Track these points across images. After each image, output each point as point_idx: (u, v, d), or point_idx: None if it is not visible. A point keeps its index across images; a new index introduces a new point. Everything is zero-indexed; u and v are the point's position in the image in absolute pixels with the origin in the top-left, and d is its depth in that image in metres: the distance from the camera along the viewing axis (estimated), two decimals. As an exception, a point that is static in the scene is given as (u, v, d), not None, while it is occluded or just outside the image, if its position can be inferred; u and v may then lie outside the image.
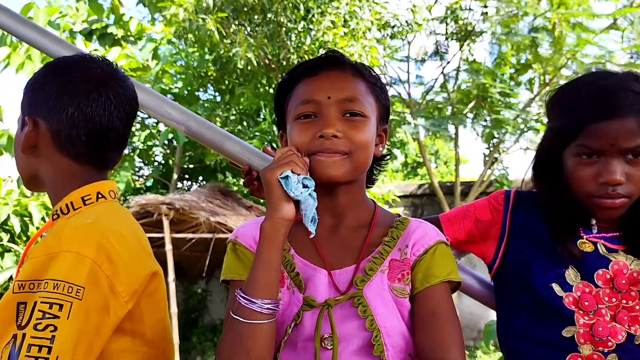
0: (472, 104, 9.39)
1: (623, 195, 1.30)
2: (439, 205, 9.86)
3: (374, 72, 1.35)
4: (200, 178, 11.61)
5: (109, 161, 1.32)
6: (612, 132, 1.27)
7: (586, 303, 1.32)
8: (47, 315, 1.05)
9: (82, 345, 1.07)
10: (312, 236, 1.18)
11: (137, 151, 10.81)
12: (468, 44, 9.66)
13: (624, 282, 1.32)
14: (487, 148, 9.86)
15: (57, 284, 1.07)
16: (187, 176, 11.67)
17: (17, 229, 4.93)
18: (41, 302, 1.06)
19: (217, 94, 9.90)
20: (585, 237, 1.38)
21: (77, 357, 1.06)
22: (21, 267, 1.19)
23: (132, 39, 9.53)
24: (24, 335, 1.04)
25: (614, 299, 1.32)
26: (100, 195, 1.27)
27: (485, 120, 9.48)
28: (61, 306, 1.06)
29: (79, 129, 1.24)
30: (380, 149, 1.34)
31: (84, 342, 1.07)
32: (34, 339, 1.03)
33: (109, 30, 9.14)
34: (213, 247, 8.50)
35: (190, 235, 8.37)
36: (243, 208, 8.74)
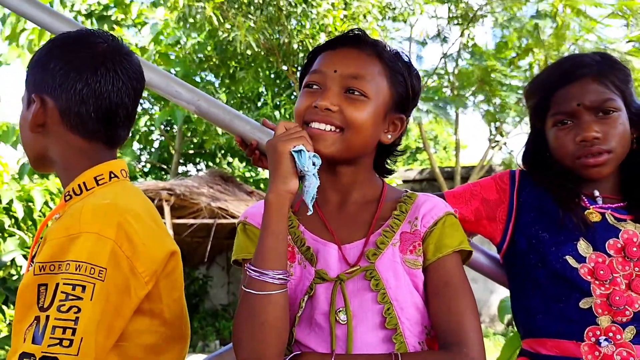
0: (474, 88, 9.37)
1: (604, 151, 1.37)
2: (439, 190, 9.86)
3: (403, 59, 1.30)
4: (200, 162, 11.60)
5: (118, 138, 1.30)
6: (576, 93, 1.39)
7: (601, 272, 1.33)
8: (70, 297, 1.03)
9: (103, 327, 1.06)
10: (309, 213, 1.18)
11: (137, 137, 10.78)
12: (468, 27, 9.62)
13: (635, 249, 1.34)
14: (491, 129, 9.87)
15: (79, 265, 1.05)
16: (182, 160, 11.67)
17: (21, 214, 4.91)
18: (64, 284, 1.04)
19: (215, 79, 9.86)
20: (591, 207, 1.40)
21: (99, 338, 1.05)
22: (37, 248, 1.18)
23: (130, 22, 9.47)
24: (47, 317, 1.02)
25: (627, 267, 1.34)
26: (112, 175, 1.25)
27: (488, 104, 9.47)
28: (84, 287, 1.04)
29: (88, 105, 1.21)
30: (389, 136, 1.29)
31: (105, 323, 1.07)
32: (58, 321, 1.02)
33: (108, 13, 9.06)
34: (214, 232, 8.52)
35: (191, 221, 8.39)
36: (244, 193, 8.74)
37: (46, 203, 5.10)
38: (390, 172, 1.39)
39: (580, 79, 1.40)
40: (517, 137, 10.60)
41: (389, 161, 1.37)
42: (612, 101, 1.38)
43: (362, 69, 1.24)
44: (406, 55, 1.32)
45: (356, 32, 1.30)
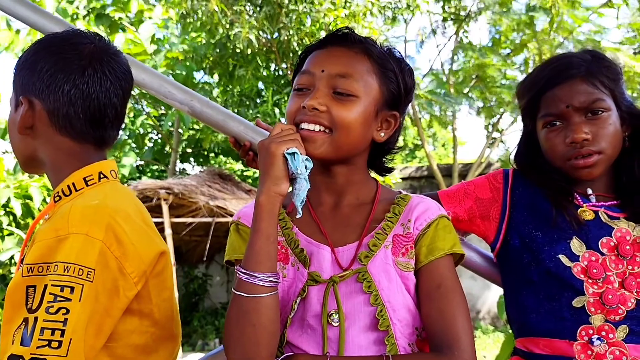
0: (472, 84, 9.39)
1: (594, 152, 1.37)
2: (437, 187, 9.89)
3: (394, 55, 1.29)
4: (196, 161, 11.60)
5: (108, 139, 1.30)
6: (564, 95, 1.39)
7: (594, 271, 1.33)
8: (58, 298, 1.03)
9: (92, 327, 1.06)
10: (298, 216, 1.18)
11: (134, 138, 10.78)
12: (462, 26, 9.63)
13: (628, 248, 1.35)
14: (487, 126, 9.90)
15: (67, 267, 1.05)
16: (180, 160, 11.68)
17: (19, 212, 4.88)
18: (52, 285, 1.04)
19: (213, 77, 9.85)
20: (585, 205, 1.40)
21: (88, 339, 1.05)
22: (27, 249, 1.18)
23: (129, 20, 9.45)
24: (35, 318, 1.02)
25: (620, 266, 1.34)
26: (102, 175, 1.25)
27: (484, 100, 9.48)
28: (72, 289, 1.04)
29: (76, 106, 1.21)
30: (382, 134, 1.28)
31: (94, 324, 1.07)
32: (47, 322, 1.02)
33: (106, 12, 9.03)
34: (213, 231, 8.52)
35: (189, 220, 8.39)
36: (242, 192, 8.75)
37: (44, 200, 5.09)
38: (390, 170, 1.38)
39: (569, 80, 1.39)
40: (514, 133, 10.64)
41: (385, 159, 1.36)
42: (602, 101, 1.37)
43: (350, 68, 1.23)
44: (398, 52, 1.31)
45: (344, 30, 1.29)
